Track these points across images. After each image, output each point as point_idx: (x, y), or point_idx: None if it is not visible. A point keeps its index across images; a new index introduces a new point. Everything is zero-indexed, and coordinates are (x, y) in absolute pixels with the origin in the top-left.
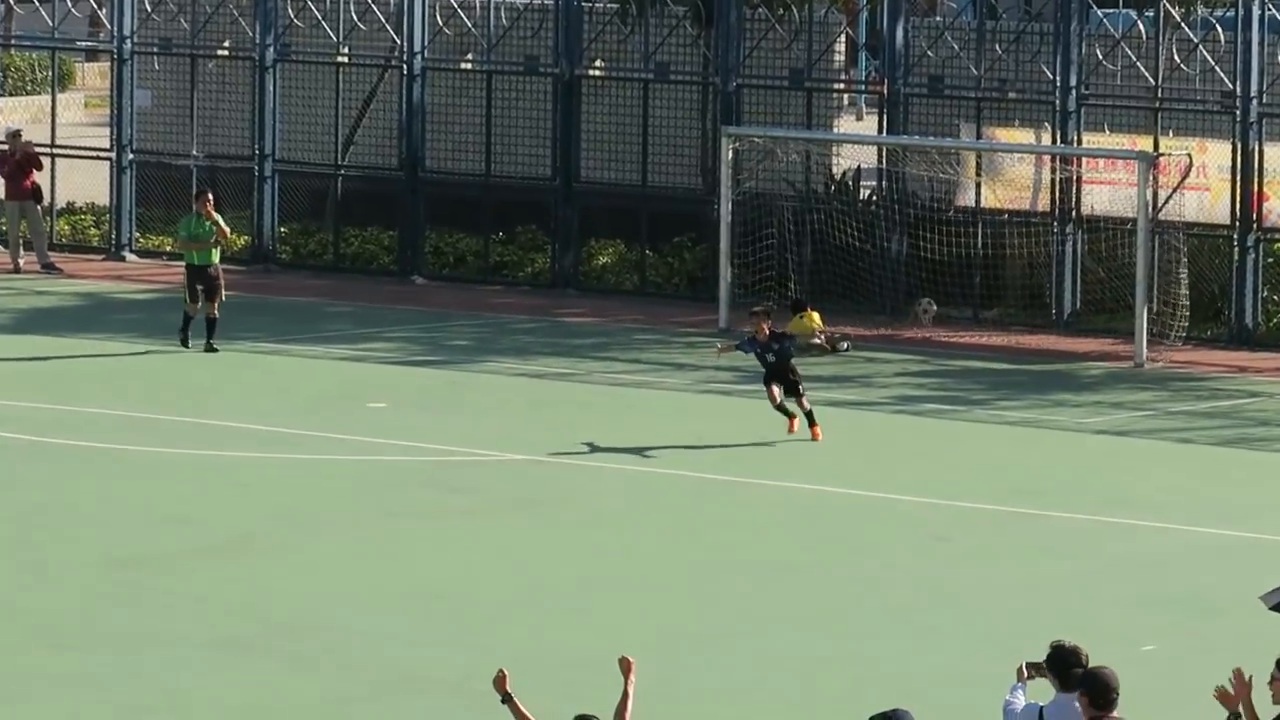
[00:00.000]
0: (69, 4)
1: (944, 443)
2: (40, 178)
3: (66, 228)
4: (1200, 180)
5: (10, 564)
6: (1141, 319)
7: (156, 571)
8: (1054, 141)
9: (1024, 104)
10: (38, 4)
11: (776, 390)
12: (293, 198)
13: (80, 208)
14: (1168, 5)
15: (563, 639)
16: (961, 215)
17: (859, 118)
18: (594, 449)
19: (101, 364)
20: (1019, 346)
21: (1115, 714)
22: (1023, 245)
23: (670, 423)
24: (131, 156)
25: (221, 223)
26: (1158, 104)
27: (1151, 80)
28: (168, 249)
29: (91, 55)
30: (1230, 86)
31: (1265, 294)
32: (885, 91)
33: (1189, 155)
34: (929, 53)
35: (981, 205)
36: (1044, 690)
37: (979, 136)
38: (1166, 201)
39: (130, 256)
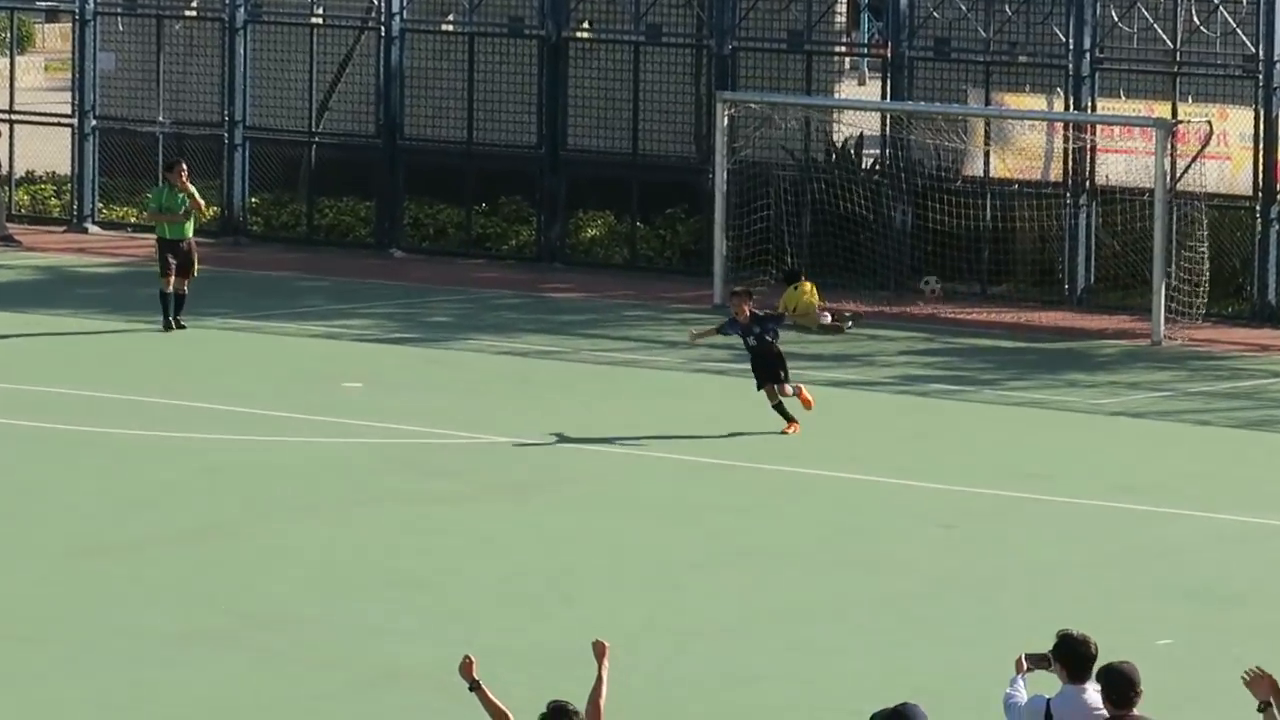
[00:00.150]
0: None
1: (950, 425)
2: None
3: (26, 198)
4: (1221, 149)
5: None
6: (1159, 295)
7: (121, 560)
8: (1067, 108)
9: (1035, 68)
10: None
11: (772, 388)
12: (264, 167)
13: (40, 177)
14: None
15: (549, 631)
16: (969, 185)
17: (861, 82)
18: (582, 431)
19: (62, 342)
20: (1029, 324)
21: (1137, 712)
22: (1034, 217)
23: (662, 403)
24: (94, 123)
25: (196, 195)
26: (1176, 68)
27: (1170, 43)
28: (132, 221)
29: (52, 16)
30: (1252, 49)
31: None
32: (889, 55)
33: (1209, 122)
34: (935, 14)
35: (990, 175)
36: (1044, 683)
37: (988, 102)
38: (1185, 171)
39: (93, 228)
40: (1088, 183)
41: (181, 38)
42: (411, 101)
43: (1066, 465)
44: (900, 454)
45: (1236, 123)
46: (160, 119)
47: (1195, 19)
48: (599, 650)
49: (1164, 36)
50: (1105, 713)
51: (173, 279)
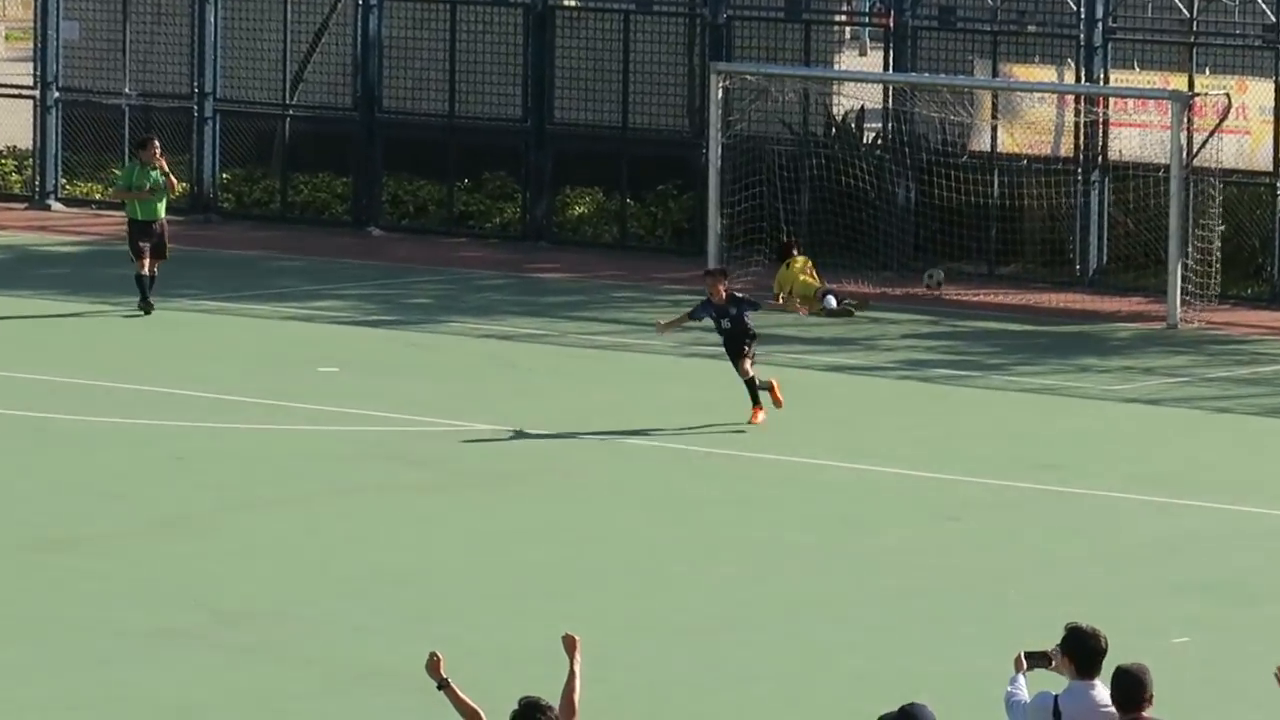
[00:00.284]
0: None
1: (955, 412)
2: None
3: None
4: (1239, 122)
5: None
6: (1174, 276)
7: (86, 554)
8: (1078, 80)
9: (1045, 38)
10: None
11: (748, 365)
12: (236, 140)
13: (0, 151)
14: None
15: (536, 629)
16: (975, 161)
17: (862, 53)
18: (568, 419)
19: (24, 325)
20: (1039, 306)
21: (1148, 714)
22: (1043, 194)
23: (653, 389)
24: (57, 95)
25: (170, 174)
26: (1193, 38)
27: (1186, 12)
28: (97, 197)
29: None
30: (1273, 18)
31: None
32: (891, 24)
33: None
34: None
35: (998, 150)
36: (1043, 682)
37: (995, 74)
38: (1202, 146)
39: (56, 205)
40: (1100, 158)
41: (149, 5)
42: (390, 72)
43: (1078, 455)
44: (903, 443)
45: (1256, 95)
46: (126, 91)
47: None
48: (570, 644)
49: (1180, 5)
50: (1113, 709)
51: (147, 261)
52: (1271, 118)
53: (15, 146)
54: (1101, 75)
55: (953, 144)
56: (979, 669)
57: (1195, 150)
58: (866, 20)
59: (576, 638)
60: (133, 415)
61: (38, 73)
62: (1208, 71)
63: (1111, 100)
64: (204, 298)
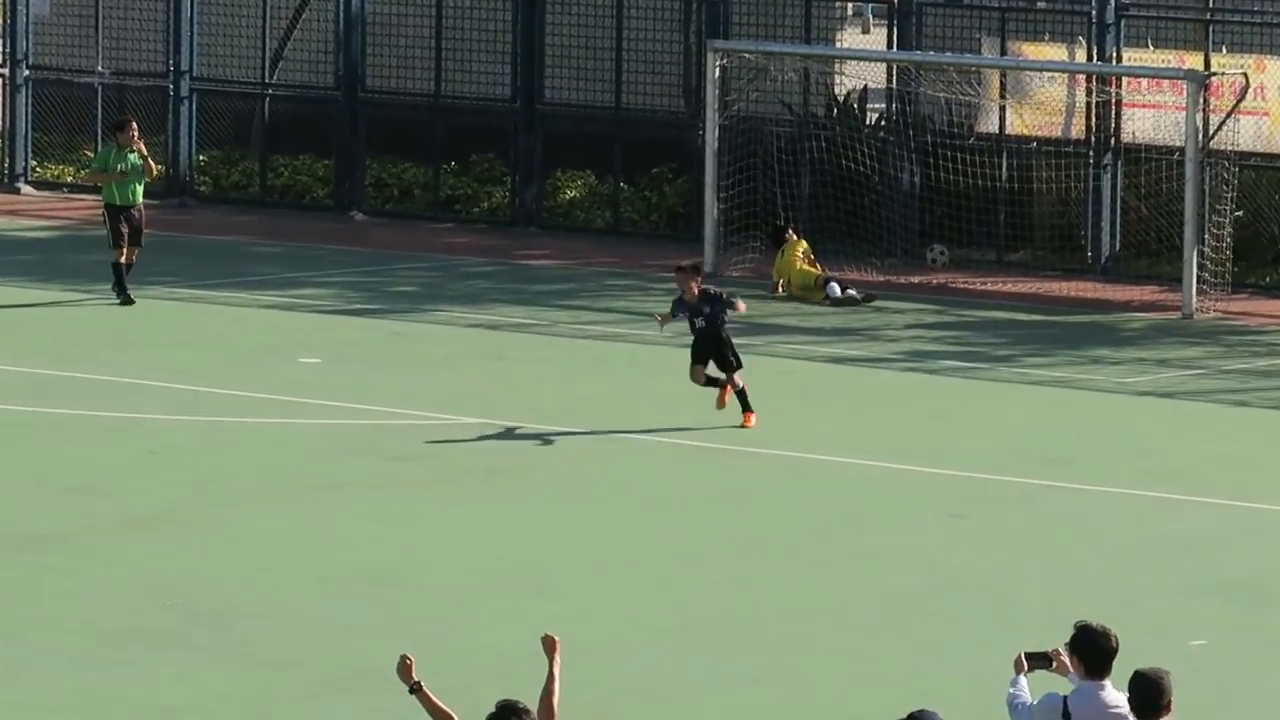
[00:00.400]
0: None
1: (962, 405)
2: None
3: None
4: (1258, 103)
5: None
6: (1190, 263)
7: (60, 552)
8: (1090, 58)
9: (1055, 15)
10: None
11: (700, 370)
12: (213, 121)
13: None
14: None
15: (524, 630)
16: (983, 143)
17: (865, 30)
18: (560, 411)
19: None
20: (1049, 294)
21: None
22: (1054, 178)
23: (648, 381)
24: (27, 73)
25: (148, 157)
26: (1209, 15)
27: None
28: (69, 180)
29: None
30: None
31: None
32: (895, 0)
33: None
34: None
35: (1006, 132)
36: (1045, 683)
37: (1004, 53)
38: (1219, 128)
39: (26, 188)
40: (1113, 140)
41: None
42: (374, 50)
43: (1089, 449)
44: (907, 437)
45: (1274, 75)
46: (100, 69)
47: None
48: (549, 645)
49: None
50: (1123, 711)
51: (125, 249)
52: None
53: None
54: (1114, 54)
55: (959, 125)
56: (983, 671)
57: (1211, 132)
58: None
59: (556, 638)
60: (107, 407)
61: (6, 50)
62: (1224, 50)
63: (1124, 80)
64: (180, 285)
